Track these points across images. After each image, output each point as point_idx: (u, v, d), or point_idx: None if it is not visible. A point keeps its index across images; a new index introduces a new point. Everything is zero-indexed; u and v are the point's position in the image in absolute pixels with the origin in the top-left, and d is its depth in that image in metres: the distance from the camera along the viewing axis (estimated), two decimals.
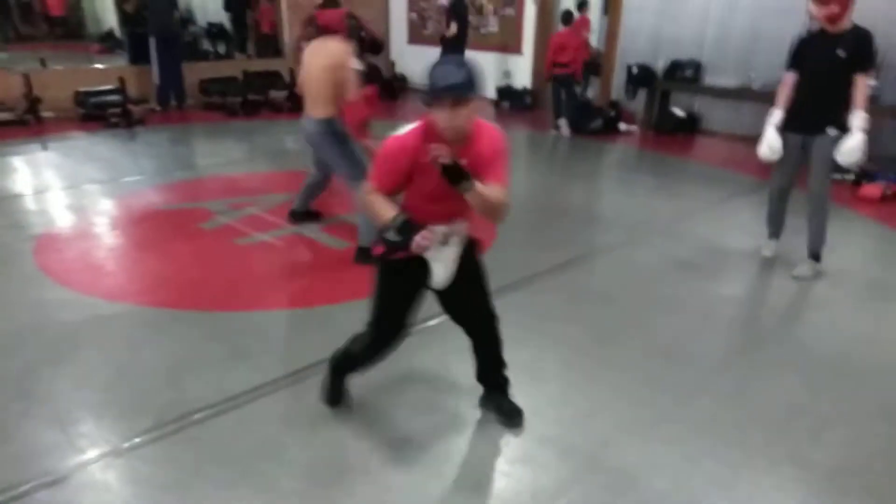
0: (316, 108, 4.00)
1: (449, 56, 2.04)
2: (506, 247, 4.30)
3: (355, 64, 3.95)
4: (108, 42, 10.71)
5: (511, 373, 2.58)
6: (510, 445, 2.45)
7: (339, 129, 4.03)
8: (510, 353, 2.53)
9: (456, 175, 1.91)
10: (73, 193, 5.27)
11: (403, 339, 2.39)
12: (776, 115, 3.94)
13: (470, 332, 2.45)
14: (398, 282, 2.27)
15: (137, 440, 2.41)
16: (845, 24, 3.75)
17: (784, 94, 3.95)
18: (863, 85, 3.71)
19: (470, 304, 2.39)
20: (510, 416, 2.54)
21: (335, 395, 2.59)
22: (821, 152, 3.85)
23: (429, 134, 2.01)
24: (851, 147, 3.70)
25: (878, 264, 4.36)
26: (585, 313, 3.55)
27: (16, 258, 4.03)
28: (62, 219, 4.73)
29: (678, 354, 3.11)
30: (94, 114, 7.71)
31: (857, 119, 3.69)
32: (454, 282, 2.25)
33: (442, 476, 2.27)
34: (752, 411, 2.68)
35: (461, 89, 1.92)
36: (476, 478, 2.30)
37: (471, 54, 9.76)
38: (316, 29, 4.10)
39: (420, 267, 2.19)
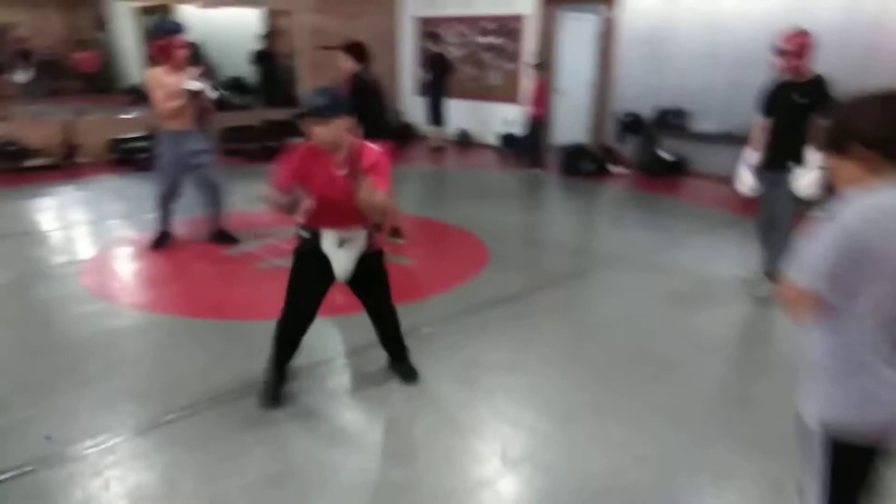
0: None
1: (321, 87, 2.77)
2: (497, 270, 4.81)
3: (190, 85, 4.61)
4: (136, 94, 11.50)
5: (495, 368, 3.05)
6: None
7: (157, 144, 4.86)
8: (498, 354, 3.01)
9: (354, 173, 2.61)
10: (109, 226, 5.84)
11: (310, 319, 2.94)
12: (751, 156, 4.44)
13: (372, 318, 3.14)
14: (306, 260, 2.89)
15: (173, 416, 2.89)
16: (806, 74, 4.26)
17: (756, 136, 4.42)
18: (820, 126, 4.21)
19: (371, 296, 3.06)
20: (407, 376, 3.22)
21: (273, 393, 2.99)
22: (785, 187, 4.30)
23: (315, 146, 2.66)
24: (808, 182, 4.15)
25: None
26: (566, 322, 4.02)
27: (63, 279, 4.56)
28: (102, 247, 5.29)
29: (644, 356, 3.56)
30: (125, 158, 8.37)
31: (814, 156, 4.15)
32: (359, 279, 2.93)
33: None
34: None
35: (319, 111, 2.55)
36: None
37: (462, 102, 10.63)
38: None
39: (326, 261, 2.82)
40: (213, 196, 5.22)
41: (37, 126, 8.36)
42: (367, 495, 2.48)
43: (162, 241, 5.15)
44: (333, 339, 3.69)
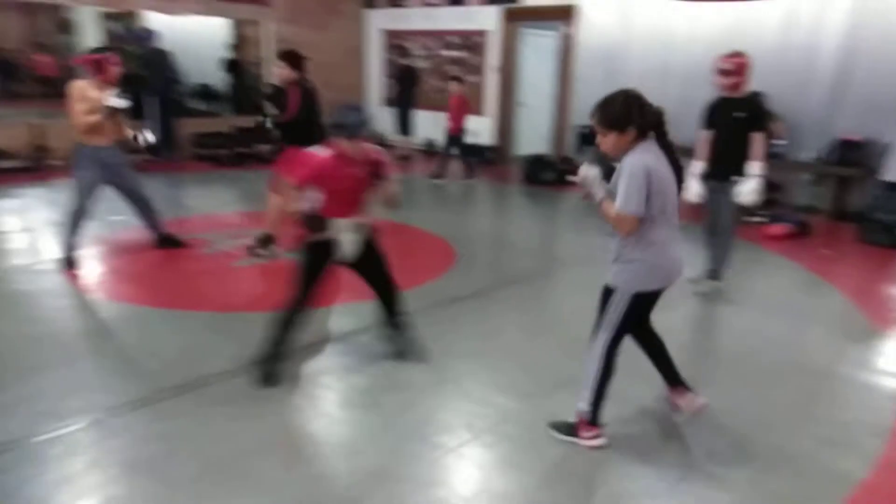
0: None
1: (351, 103, 3.24)
2: (463, 270, 5.13)
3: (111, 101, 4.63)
4: None
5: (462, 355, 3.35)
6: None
7: (76, 158, 4.84)
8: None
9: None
10: (87, 227, 5.96)
11: (313, 305, 3.31)
12: (696, 166, 4.81)
13: (376, 290, 3.51)
14: (316, 248, 3.25)
15: (164, 394, 3.13)
16: (744, 91, 4.66)
17: (701, 149, 4.80)
18: (758, 139, 4.53)
19: (375, 271, 3.47)
20: (407, 344, 3.60)
21: (271, 372, 3.28)
22: (727, 195, 4.67)
23: (340, 155, 3.12)
24: (748, 190, 4.53)
25: (775, 286, 5.26)
26: (527, 315, 4.35)
27: (44, 274, 4.72)
28: (83, 246, 5.44)
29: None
30: None
31: (753, 168, 4.53)
32: (365, 258, 3.36)
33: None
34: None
35: (354, 131, 3.08)
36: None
37: (428, 113, 10.91)
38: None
39: (330, 246, 3.23)
40: (143, 207, 5.23)
41: (2, 129, 8.40)
42: (346, 460, 2.75)
43: (72, 263, 4.85)
44: (318, 324, 3.94)
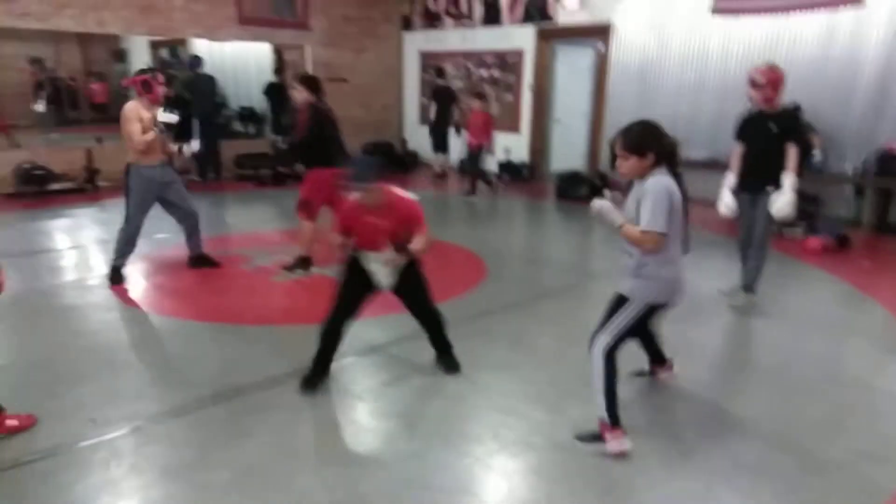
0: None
1: (363, 156, 3.43)
2: (495, 284, 5.19)
3: (164, 116, 4.81)
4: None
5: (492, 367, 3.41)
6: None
7: (129, 178, 4.95)
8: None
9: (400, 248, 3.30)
10: (140, 243, 6.22)
11: (351, 318, 3.42)
12: (729, 179, 4.79)
13: (419, 320, 3.63)
14: (350, 272, 3.41)
15: (202, 403, 3.26)
16: (777, 105, 4.66)
17: (734, 162, 4.79)
18: (793, 153, 4.50)
19: (416, 301, 3.57)
20: (449, 367, 3.68)
21: (312, 381, 3.41)
22: (761, 208, 4.64)
23: (359, 203, 3.26)
24: (783, 203, 4.49)
25: (813, 299, 5.17)
26: (557, 329, 4.38)
27: (92, 289, 4.94)
28: (135, 261, 5.67)
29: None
30: None
31: (788, 180, 4.49)
32: (403, 287, 3.46)
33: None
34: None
35: (365, 180, 3.20)
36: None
37: (464, 131, 11.05)
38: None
39: (367, 275, 3.37)
40: (191, 224, 5.38)
41: (59, 152, 8.83)
42: (375, 468, 2.82)
43: (119, 278, 5.05)
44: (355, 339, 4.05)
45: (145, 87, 4.87)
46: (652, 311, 2.93)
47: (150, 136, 4.81)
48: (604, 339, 2.93)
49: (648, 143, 2.74)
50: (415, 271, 3.49)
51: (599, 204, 2.82)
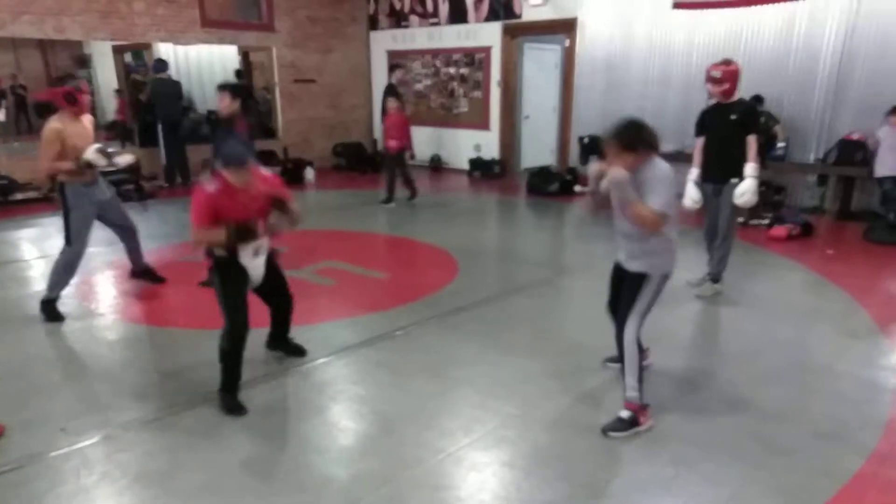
0: None
1: (238, 143, 3.40)
2: (466, 281, 5.22)
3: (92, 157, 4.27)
4: (114, 130, 11.83)
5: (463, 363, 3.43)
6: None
7: (65, 197, 4.43)
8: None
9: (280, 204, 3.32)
10: (103, 252, 6.13)
11: (248, 328, 3.30)
12: (693, 173, 4.90)
13: (274, 306, 3.66)
14: (231, 277, 3.28)
15: (169, 410, 3.24)
16: (734, 97, 4.76)
17: (696, 156, 4.89)
18: (752, 142, 4.62)
19: (278, 289, 3.59)
20: (296, 352, 3.80)
21: (230, 405, 3.24)
22: (725, 198, 4.76)
23: (226, 184, 3.15)
24: (743, 190, 4.63)
25: (777, 287, 5.29)
26: (527, 323, 4.42)
27: (62, 300, 4.85)
28: (99, 270, 5.62)
29: (591, 349, 3.97)
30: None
31: (749, 169, 4.60)
32: (267, 276, 3.44)
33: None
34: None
35: (243, 163, 3.13)
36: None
37: (433, 129, 11.15)
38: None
39: (242, 271, 3.29)
40: (132, 239, 5.05)
41: (23, 161, 8.67)
42: (348, 466, 2.83)
43: (54, 314, 4.49)
44: (327, 340, 4.05)
45: (68, 99, 4.29)
46: (667, 280, 3.11)
47: (65, 166, 4.27)
48: (634, 325, 3.08)
49: (641, 139, 2.93)
50: (273, 261, 3.52)
51: (621, 174, 2.87)
